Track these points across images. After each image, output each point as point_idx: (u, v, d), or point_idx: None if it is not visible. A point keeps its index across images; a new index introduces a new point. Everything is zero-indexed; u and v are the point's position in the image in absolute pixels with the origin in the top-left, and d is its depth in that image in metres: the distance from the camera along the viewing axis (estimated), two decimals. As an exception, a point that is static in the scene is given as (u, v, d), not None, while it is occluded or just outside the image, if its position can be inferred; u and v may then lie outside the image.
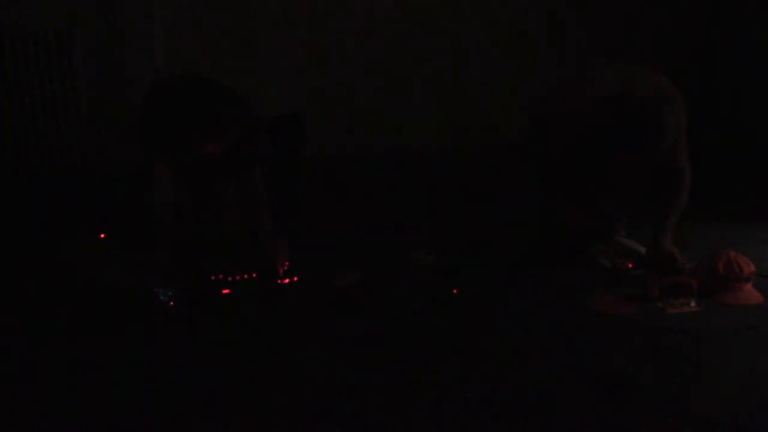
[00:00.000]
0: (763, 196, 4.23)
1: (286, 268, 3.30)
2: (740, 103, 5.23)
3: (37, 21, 4.46)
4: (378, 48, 5.07)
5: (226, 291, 3.17)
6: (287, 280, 3.26)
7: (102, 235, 3.62)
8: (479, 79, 5.21)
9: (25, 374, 2.57)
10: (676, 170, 3.33)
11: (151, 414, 2.32)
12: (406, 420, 2.28)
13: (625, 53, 5.04)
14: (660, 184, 3.37)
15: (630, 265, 3.38)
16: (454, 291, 3.17)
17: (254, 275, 3.25)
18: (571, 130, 3.25)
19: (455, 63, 5.19)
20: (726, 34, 5.31)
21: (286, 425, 2.27)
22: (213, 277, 3.23)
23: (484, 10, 5.20)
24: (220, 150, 3.16)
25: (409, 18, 5.12)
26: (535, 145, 3.49)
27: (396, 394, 2.41)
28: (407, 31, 5.12)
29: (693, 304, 3.00)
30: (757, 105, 5.12)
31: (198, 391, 2.45)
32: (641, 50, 5.11)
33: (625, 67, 3.44)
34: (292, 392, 2.44)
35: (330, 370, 2.57)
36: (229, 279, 3.22)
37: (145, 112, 3.25)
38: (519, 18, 5.23)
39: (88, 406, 2.37)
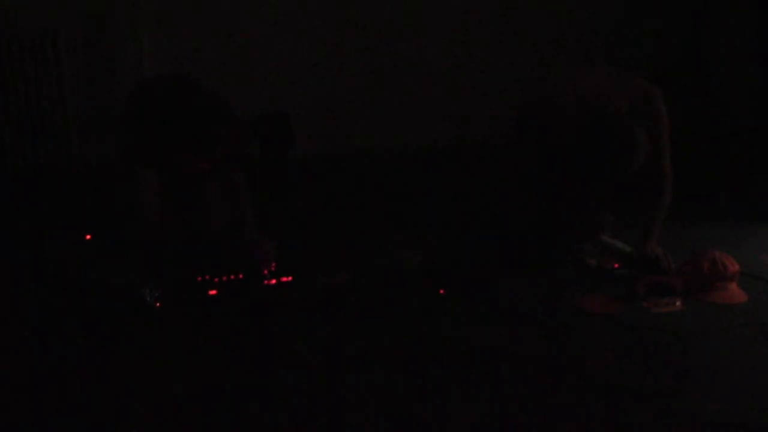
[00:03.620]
0: (748, 197, 4.25)
1: (273, 268, 3.30)
2: (728, 104, 5.25)
3: (23, 21, 4.43)
4: (367, 47, 5.06)
5: (212, 292, 3.17)
6: (274, 281, 3.26)
7: (88, 236, 3.61)
8: (470, 79, 5.20)
9: (12, 375, 2.56)
10: (658, 171, 3.35)
11: (137, 414, 2.31)
12: (394, 420, 2.28)
13: (616, 54, 5.06)
14: (643, 185, 3.39)
15: (616, 265, 3.39)
16: (441, 291, 3.17)
17: (240, 276, 3.25)
18: (551, 135, 3.28)
19: (446, 63, 5.18)
20: (714, 36, 5.33)
21: (274, 425, 2.27)
22: (199, 278, 3.22)
23: (478, 9, 5.21)
24: (208, 165, 3.20)
25: (402, 16, 5.11)
26: (520, 145, 3.51)
27: (384, 394, 2.41)
28: (399, 29, 5.11)
29: (678, 303, 3.02)
30: (745, 107, 5.14)
31: (184, 391, 2.44)
32: (631, 52, 5.13)
33: (605, 73, 3.45)
34: (279, 392, 2.44)
35: (317, 370, 2.57)
36: (216, 280, 3.21)
37: (130, 118, 3.26)
38: (512, 20, 5.24)
39: (74, 407, 2.36)
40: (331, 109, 4.99)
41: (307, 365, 2.60)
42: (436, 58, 5.18)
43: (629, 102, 3.26)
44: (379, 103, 5.07)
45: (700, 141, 4.99)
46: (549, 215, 3.53)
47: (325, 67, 5.01)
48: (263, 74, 4.82)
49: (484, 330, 2.85)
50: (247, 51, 4.83)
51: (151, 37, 4.67)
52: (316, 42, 4.99)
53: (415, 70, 5.15)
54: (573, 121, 3.22)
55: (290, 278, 3.27)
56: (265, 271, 3.27)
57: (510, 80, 4.93)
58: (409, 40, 5.13)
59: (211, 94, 3.32)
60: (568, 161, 3.27)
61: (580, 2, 5.28)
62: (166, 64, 4.46)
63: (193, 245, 3.34)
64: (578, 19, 5.28)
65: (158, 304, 2.99)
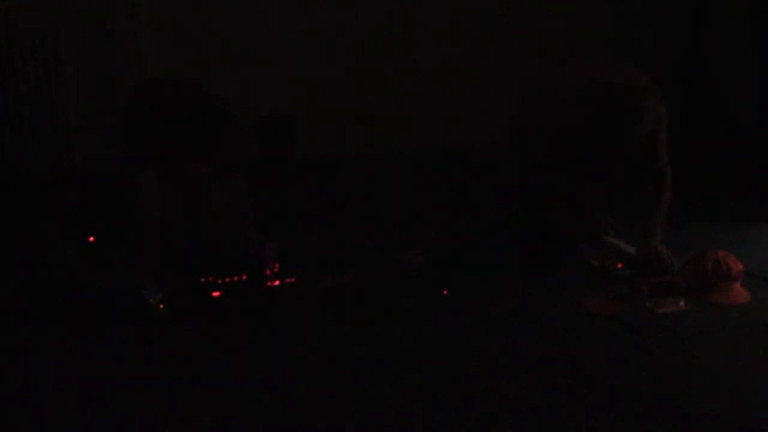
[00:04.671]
0: (752, 196, 4.25)
1: (275, 270, 3.30)
2: (730, 104, 5.25)
3: (24, 21, 4.43)
4: (368, 50, 5.06)
5: (215, 293, 3.17)
6: (277, 282, 3.26)
7: (91, 238, 3.61)
8: (468, 79, 5.21)
9: (16, 377, 2.56)
10: (657, 168, 3.34)
11: (141, 416, 2.31)
12: (397, 421, 2.28)
13: (617, 54, 5.06)
14: (643, 183, 3.38)
15: (619, 266, 3.39)
16: (444, 292, 3.17)
17: (243, 277, 3.25)
18: (550, 125, 3.26)
19: (445, 64, 5.19)
20: (715, 35, 5.32)
21: (277, 426, 2.27)
22: (202, 280, 3.22)
23: (474, 12, 5.21)
24: (210, 168, 3.21)
25: (399, 19, 5.11)
26: (518, 144, 3.51)
27: (386, 395, 2.41)
28: (397, 32, 5.11)
29: (681, 303, 3.02)
30: (746, 106, 5.15)
31: (188, 393, 2.44)
32: (631, 52, 5.13)
33: (602, 61, 3.44)
34: (283, 394, 2.44)
35: (320, 371, 2.57)
36: (219, 281, 3.21)
37: (131, 120, 3.25)
38: (512, 20, 5.23)
39: (78, 409, 2.36)
40: (334, 111, 5.00)
41: (309, 366, 2.60)
42: (437, 60, 5.18)
43: None
44: (380, 104, 5.08)
45: (702, 140, 4.99)
46: (551, 216, 3.52)
47: (327, 69, 5.01)
48: (264, 76, 4.82)
49: (486, 330, 2.85)
50: (248, 53, 4.84)
51: (153, 38, 4.67)
52: (318, 44, 4.99)
53: (416, 72, 5.15)
54: (578, 98, 3.17)
55: (293, 279, 3.27)
56: (268, 272, 3.27)
57: (509, 80, 4.94)
58: (410, 42, 5.14)
59: (213, 95, 3.31)
60: (573, 142, 3.23)
61: (581, 2, 5.28)
62: (167, 66, 4.46)
63: (196, 247, 3.34)
64: (578, 19, 5.28)
65: (161, 307, 2.99)
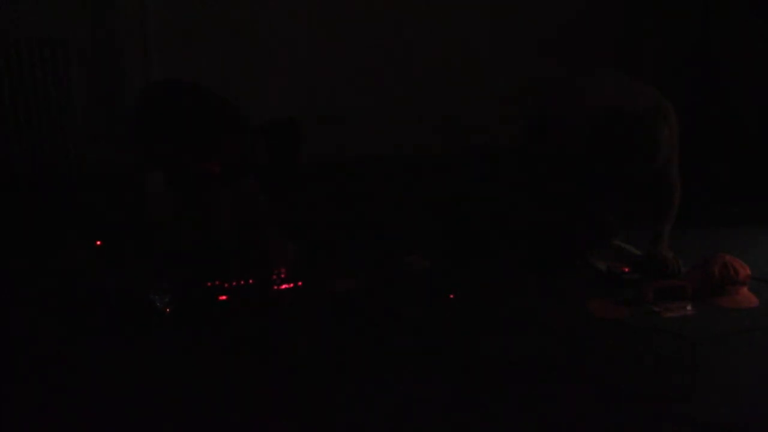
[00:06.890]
0: (759, 200, 4.24)
1: (282, 275, 3.30)
2: (737, 105, 5.24)
3: (32, 28, 4.46)
4: (374, 53, 5.08)
5: (222, 297, 3.17)
6: (283, 286, 3.26)
7: (98, 242, 3.62)
8: (475, 82, 5.21)
9: (22, 381, 2.57)
10: (667, 185, 3.36)
11: (147, 420, 2.32)
12: (403, 424, 2.28)
13: (623, 56, 5.07)
14: (652, 197, 3.39)
15: (626, 269, 3.38)
16: (450, 296, 3.17)
17: (250, 281, 3.25)
18: (570, 137, 3.26)
19: (451, 67, 5.19)
20: (722, 35, 5.31)
21: (282, 429, 2.27)
22: (209, 284, 3.22)
23: (480, 13, 5.22)
24: (218, 168, 3.21)
25: (405, 23, 5.13)
26: (534, 149, 3.50)
27: (393, 399, 2.41)
28: (403, 36, 5.13)
29: (688, 307, 3.01)
30: (754, 108, 5.13)
31: (195, 397, 2.45)
32: (639, 52, 5.13)
33: (624, 78, 3.45)
34: (289, 397, 2.44)
35: (326, 374, 2.57)
36: (226, 285, 3.22)
37: (140, 123, 3.27)
38: (516, 21, 5.24)
39: (85, 413, 2.36)
40: (340, 114, 5.01)
41: (315, 370, 2.61)
42: (440, 63, 5.19)
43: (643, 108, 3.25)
44: (388, 108, 5.09)
45: (711, 144, 4.98)
46: (560, 220, 3.52)
47: (333, 72, 5.03)
48: (271, 81, 4.84)
49: (493, 334, 2.85)
50: (252, 56, 4.86)
51: (159, 45, 4.70)
52: (321, 47, 5.01)
53: (419, 76, 5.16)
54: (598, 119, 3.20)
55: (299, 283, 3.27)
56: (274, 276, 3.28)
57: (513, 83, 4.95)
58: (417, 46, 5.15)
59: (219, 96, 3.32)
60: (591, 161, 3.25)
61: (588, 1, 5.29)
62: (173, 72, 4.48)
63: (203, 250, 3.35)
64: (585, 18, 5.28)
65: (168, 310, 2.99)
